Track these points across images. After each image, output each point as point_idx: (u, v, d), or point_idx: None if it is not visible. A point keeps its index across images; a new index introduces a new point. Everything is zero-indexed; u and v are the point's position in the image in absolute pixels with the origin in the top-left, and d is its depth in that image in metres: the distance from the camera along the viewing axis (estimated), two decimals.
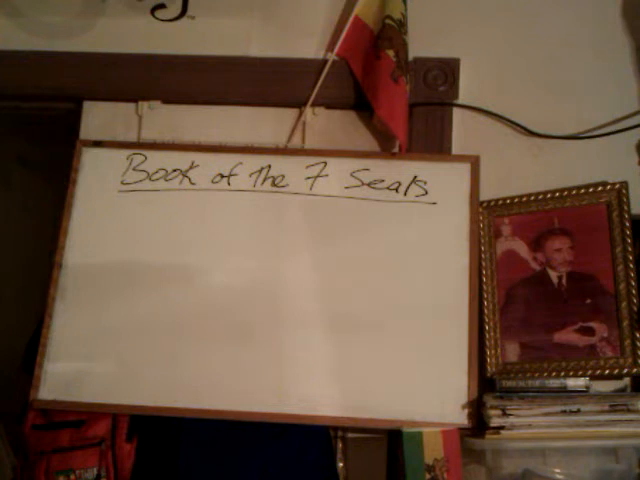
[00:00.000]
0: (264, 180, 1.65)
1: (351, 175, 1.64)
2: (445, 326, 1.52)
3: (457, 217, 1.59)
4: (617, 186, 1.53)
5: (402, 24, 1.68)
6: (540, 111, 1.68)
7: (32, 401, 1.53)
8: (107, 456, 1.48)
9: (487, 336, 1.53)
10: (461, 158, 1.64)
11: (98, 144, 1.72)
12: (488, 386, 1.49)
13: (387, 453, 1.54)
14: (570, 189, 1.57)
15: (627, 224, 1.50)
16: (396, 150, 1.67)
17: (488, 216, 1.61)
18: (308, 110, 1.73)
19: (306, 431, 1.50)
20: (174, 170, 1.68)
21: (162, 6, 1.82)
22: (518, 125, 1.67)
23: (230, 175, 1.66)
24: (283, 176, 1.65)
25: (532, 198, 1.59)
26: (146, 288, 1.59)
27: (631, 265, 1.48)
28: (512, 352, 1.52)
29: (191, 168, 1.67)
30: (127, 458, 1.49)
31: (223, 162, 1.67)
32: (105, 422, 1.51)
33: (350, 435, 1.57)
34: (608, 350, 1.46)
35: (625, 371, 1.44)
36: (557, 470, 1.36)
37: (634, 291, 1.46)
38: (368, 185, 1.63)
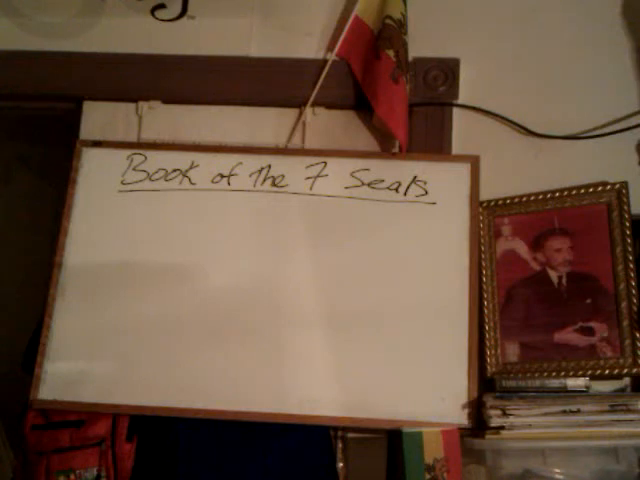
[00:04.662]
0: (264, 180, 1.65)
1: (351, 175, 1.64)
2: (445, 326, 1.52)
3: (457, 217, 1.59)
4: (617, 186, 1.53)
5: (402, 24, 1.68)
6: (540, 111, 1.68)
7: (32, 401, 1.53)
8: (107, 456, 1.48)
9: (487, 336, 1.53)
10: (461, 158, 1.64)
11: (98, 144, 1.72)
12: (488, 386, 1.49)
13: (387, 453, 1.54)
14: (570, 189, 1.57)
15: (627, 224, 1.50)
16: (396, 150, 1.67)
17: (488, 216, 1.61)
18: (308, 110, 1.73)
19: (306, 430, 1.50)
20: (174, 170, 1.68)
21: (162, 6, 1.82)
22: (518, 125, 1.67)
23: (230, 175, 1.66)
24: (283, 176, 1.65)
25: (532, 198, 1.59)
26: (146, 288, 1.59)
27: (631, 265, 1.48)
28: (512, 352, 1.52)
29: (191, 168, 1.67)
30: (127, 458, 1.49)
31: (223, 162, 1.67)
32: (105, 422, 1.51)
33: (350, 435, 1.56)
34: (608, 350, 1.46)
35: (625, 371, 1.44)
36: (557, 470, 1.36)
37: (634, 291, 1.46)
38: (368, 185, 1.63)
